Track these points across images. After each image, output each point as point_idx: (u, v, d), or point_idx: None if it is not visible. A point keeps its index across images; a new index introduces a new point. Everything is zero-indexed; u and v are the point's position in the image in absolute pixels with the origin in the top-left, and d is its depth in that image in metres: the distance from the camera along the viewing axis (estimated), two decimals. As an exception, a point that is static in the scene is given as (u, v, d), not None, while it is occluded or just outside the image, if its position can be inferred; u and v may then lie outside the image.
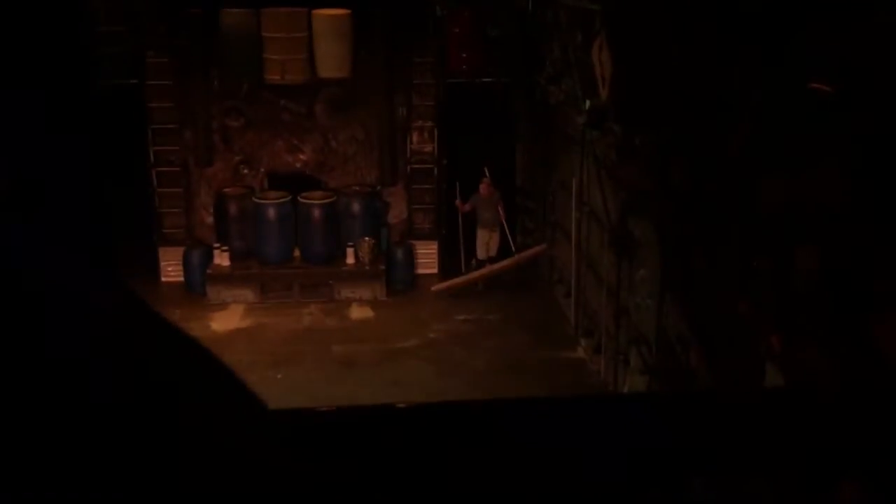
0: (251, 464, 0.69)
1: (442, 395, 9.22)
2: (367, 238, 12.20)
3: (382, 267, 12.25)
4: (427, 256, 12.86)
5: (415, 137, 12.70)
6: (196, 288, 12.15)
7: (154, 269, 12.49)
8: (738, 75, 5.78)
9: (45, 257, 0.62)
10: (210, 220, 12.76)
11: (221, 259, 12.17)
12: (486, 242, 12.12)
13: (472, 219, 12.23)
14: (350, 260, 12.24)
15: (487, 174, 12.06)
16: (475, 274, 12.07)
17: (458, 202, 12.23)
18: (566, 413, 1.73)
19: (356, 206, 12.41)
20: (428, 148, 12.73)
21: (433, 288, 11.96)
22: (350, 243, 12.24)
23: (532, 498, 1.44)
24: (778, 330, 5.41)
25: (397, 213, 13.05)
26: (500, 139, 13.08)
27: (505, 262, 12.03)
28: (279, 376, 9.84)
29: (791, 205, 5.19)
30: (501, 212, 12.08)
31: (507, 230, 12.19)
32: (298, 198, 12.26)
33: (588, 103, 8.98)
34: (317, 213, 12.21)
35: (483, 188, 11.99)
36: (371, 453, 1.46)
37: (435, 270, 12.85)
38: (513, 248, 12.18)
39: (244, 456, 0.69)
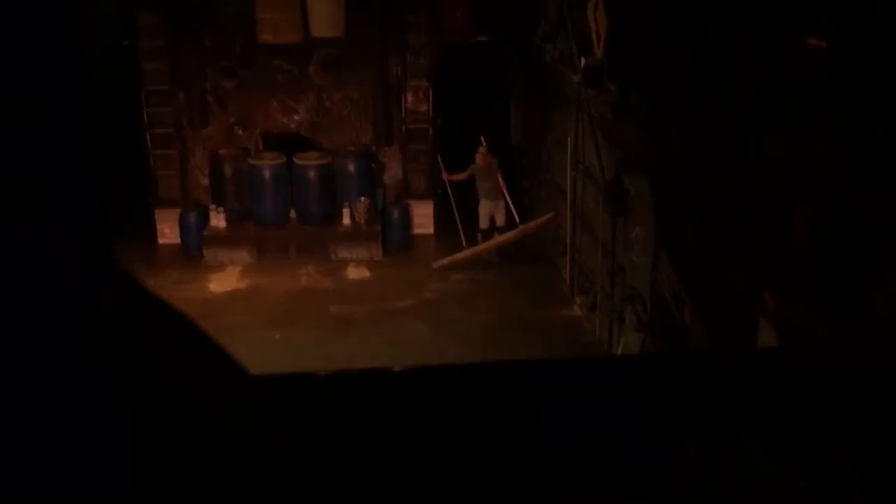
0: (233, 433, 0.71)
1: (439, 354, 9.30)
2: (362, 198, 12.20)
3: (378, 227, 12.26)
4: (423, 216, 12.87)
5: (409, 97, 12.64)
6: (193, 250, 12.17)
7: (151, 232, 12.51)
8: (734, 32, 5.75)
9: (43, 243, 0.63)
10: (205, 181, 12.74)
11: (218, 221, 12.18)
12: (489, 213, 11.74)
13: (473, 190, 11.81)
14: (346, 220, 12.25)
15: (484, 143, 11.71)
16: (478, 248, 11.76)
17: (443, 175, 11.97)
18: (559, 374, 1.76)
19: (351, 167, 12.39)
20: (423, 108, 12.67)
21: (434, 264, 11.62)
22: (346, 204, 12.24)
23: (525, 460, 1.47)
24: (772, 288, 5.45)
25: (393, 173, 13.03)
26: (495, 98, 13.02)
27: (509, 234, 11.68)
28: (277, 337, 9.90)
29: (788, 163, 5.20)
30: (501, 180, 11.74)
31: (508, 200, 11.81)
32: (293, 159, 12.23)
33: (583, 61, 8.92)
34: (312, 173, 12.19)
35: (479, 158, 11.62)
36: (367, 419, 1.49)
37: (431, 230, 12.87)
38: (517, 219, 11.83)
39: (226, 425, 0.71)
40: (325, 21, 11.87)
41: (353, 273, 11.82)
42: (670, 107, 6.92)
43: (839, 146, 4.69)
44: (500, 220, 11.79)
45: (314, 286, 11.43)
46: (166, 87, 12.30)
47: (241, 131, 12.74)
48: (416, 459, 1.45)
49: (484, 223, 11.79)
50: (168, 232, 12.55)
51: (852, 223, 4.59)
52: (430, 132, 12.78)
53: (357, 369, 1.61)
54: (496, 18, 12.32)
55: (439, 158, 12.05)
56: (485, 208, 11.75)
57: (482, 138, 11.77)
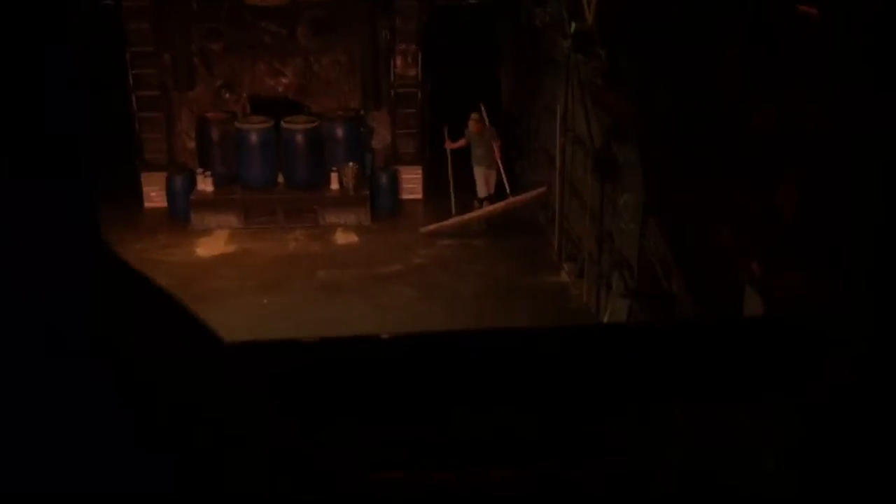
0: (206, 395, 0.71)
1: (426, 320, 9.33)
2: (350, 163, 12.14)
3: (366, 192, 12.22)
4: (411, 182, 12.83)
5: (398, 61, 12.53)
6: (180, 214, 12.10)
7: (137, 195, 12.42)
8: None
9: (20, 203, 0.63)
10: (192, 145, 12.64)
11: (205, 185, 12.11)
12: (485, 180, 11.69)
13: (466, 156, 11.76)
14: (334, 185, 12.20)
15: (483, 110, 11.60)
16: (466, 216, 11.62)
17: (447, 143, 11.79)
18: (547, 343, 1.76)
19: (339, 131, 12.31)
20: (412, 72, 12.57)
21: (422, 230, 11.62)
22: (334, 168, 12.18)
23: (514, 428, 1.48)
24: (759, 255, 5.48)
25: (381, 138, 12.96)
26: (485, 62, 12.93)
27: (498, 205, 11.58)
28: (265, 301, 9.90)
29: (776, 130, 5.20)
30: (496, 149, 11.58)
31: (502, 169, 11.66)
32: (281, 122, 12.14)
33: (574, 27, 8.86)
34: (300, 138, 12.11)
35: (472, 124, 11.53)
36: (354, 385, 1.49)
37: (419, 196, 12.85)
38: (507, 190, 11.71)
39: (199, 388, 0.71)
40: (312, -17, 11.72)
41: (342, 238, 11.81)
42: (660, 73, 6.90)
43: (828, 109, 4.68)
44: (491, 188, 11.73)
45: (302, 251, 11.41)
46: (151, 49, 12.15)
47: (227, 94, 12.62)
48: (402, 425, 1.45)
49: (482, 191, 11.72)
50: (154, 196, 12.47)
51: (838, 189, 4.60)
52: (419, 97, 12.70)
53: (343, 336, 1.61)
54: (486, -18, 12.19)
55: (445, 130, 11.76)
56: (480, 176, 11.67)
57: (482, 105, 11.65)
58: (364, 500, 1.24)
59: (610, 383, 1.59)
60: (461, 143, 11.73)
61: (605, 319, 8.70)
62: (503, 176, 11.68)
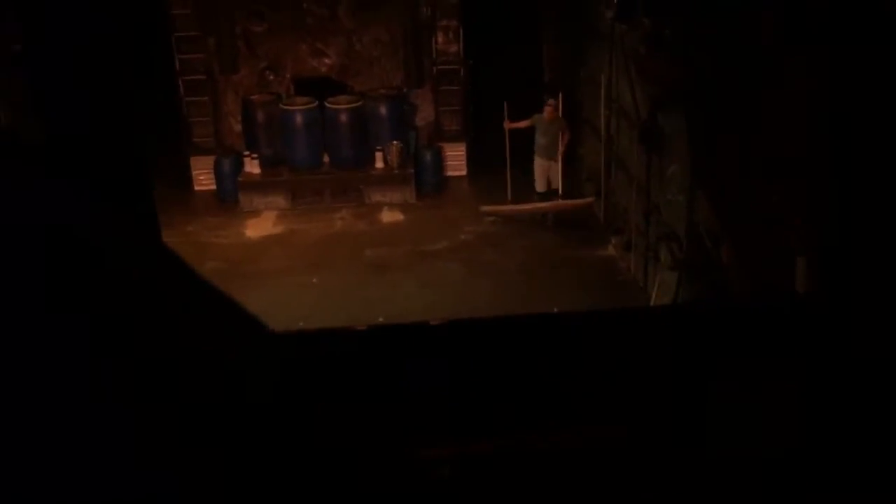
0: (249, 383, 0.73)
1: (473, 296, 9.35)
2: (395, 141, 12.17)
3: (411, 170, 12.25)
4: (455, 158, 12.83)
5: (440, 37, 12.49)
6: (228, 196, 12.27)
7: (186, 178, 12.62)
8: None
9: (87, 213, 0.65)
10: (238, 127, 12.78)
11: (252, 167, 12.25)
12: (544, 174, 11.10)
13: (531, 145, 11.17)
14: (379, 164, 12.25)
15: (559, 99, 11.07)
16: (520, 207, 11.27)
17: (506, 123, 11.17)
18: (592, 325, 1.78)
19: (383, 110, 12.34)
20: (453, 48, 12.52)
21: (482, 208, 11.34)
22: (378, 147, 12.23)
23: (559, 404, 1.50)
24: (809, 223, 5.38)
25: (424, 115, 12.96)
26: (528, 36, 12.82)
27: (545, 205, 11.19)
28: (314, 280, 10.01)
29: (820, 92, 5.09)
30: (563, 143, 10.97)
31: (560, 167, 11.05)
32: (325, 103, 12.20)
33: (616, -5, 8.74)
34: (344, 117, 12.17)
35: (547, 110, 10.93)
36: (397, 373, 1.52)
37: (464, 172, 12.84)
38: (559, 191, 11.19)
39: (244, 376, 0.74)
40: (352, -39, 11.71)
41: (387, 216, 11.86)
42: (704, 39, 6.78)
43: (875, 68, 4.57)
44: (556, 182, 11.16)
45: (349, 230, 11.50)
46: (196, 34, 12.28)
47: (272, 76, 12.72)
48: (447, 408, 1.48)
49: (540, 185, 11.21)
50: (203, 178, 12.66)
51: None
52: (462, 73, 12.65)
53: (391, 324, 1.64)
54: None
55: (505, 107, 11.14)
56: (539, 168, 11.15)
57: (560, 93, 11.12)
58: (415, 475, 1.26)
59: (652, 363, 1.60)
60: (524, 123, 11.12)
61: (654, 292, 8.64)
62: (560, 172, 11.14)
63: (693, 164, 7.41)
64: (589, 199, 11.12)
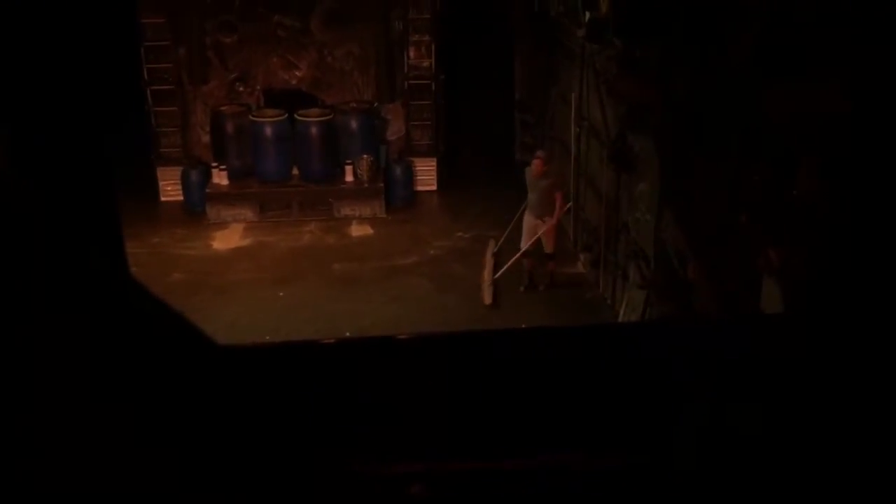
0: (200, 396, 0.71)
1: (442, 311, 9.33)
2: (365, 155, 12.14)
3: (381, 184, 12.23)
4: (426, 173, 12.83)
5: (412, 52, 12.51)
6: (195, 207, 12.15)
7: (153, 189, 12.48)
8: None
9: (47, 221, 0.63)
10: (207, 138, 12.68)
11: (220, 178, 12.14)
12: (531, 232, 9.68)
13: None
14: (349, 178, 12.21)
15: (544, 151, 10.25)
16: (515, 258, 9.89)
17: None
18: (556, 342, 1.76)
19: (354, 124, 12.31)
20: (426, 63, 12.54)
21: (486, 301, 9.68)
22: (348, 161, 12.19)
23: (527, 425, 1.48)
24: (776, 244, 5.44)
25: (395, 129, 12.95)
26: (500, 53, 12.89)
27: (531, 243, 9.77)
28: (281, 294, 9.93)
29: (793, 116, 5.15)
30: (558, 207, 9.63)
31: (552, 229, 9.70)
32: (295, 115, 12.15)
33: (588, 16, 8.81)
34: (314, 130, 12.12)
35: (534, 163, 9.65)
36: (369, 386, 1.49)
37: (434, 187, 12.84)
38: (552, 255, 9.92)
39: (195, 391, 0.71)
40: (326, -25, 11.71)
41: (357, 230, 11.82)
42: (675, 60, 6.85)
43: (844, 95, 4.63)
44: (548, 246, 9.83)
45: (317, 244, 11.43)
46: (166, 43, 12.18)
47: (242, 87, 12.64)
48: (417, 425, 1.45)
49: (525, 240, 9.81)
50: (170, 189, 12.52)
51: (856, 176, 4.55)
52: (433, 88, 12.67)
53: (360, 337, 1.61)
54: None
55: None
56: (527, 224, 9.77)
57: (548, 148, 10.42)
58: (384, 492, 1.23)
59: (621, 381, 1.58)
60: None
61: (622, 310, 8.68)
62: (552, 236, 9.75)
63: (662, 183, 7.47)
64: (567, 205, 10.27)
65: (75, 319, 0.62)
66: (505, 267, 9.91)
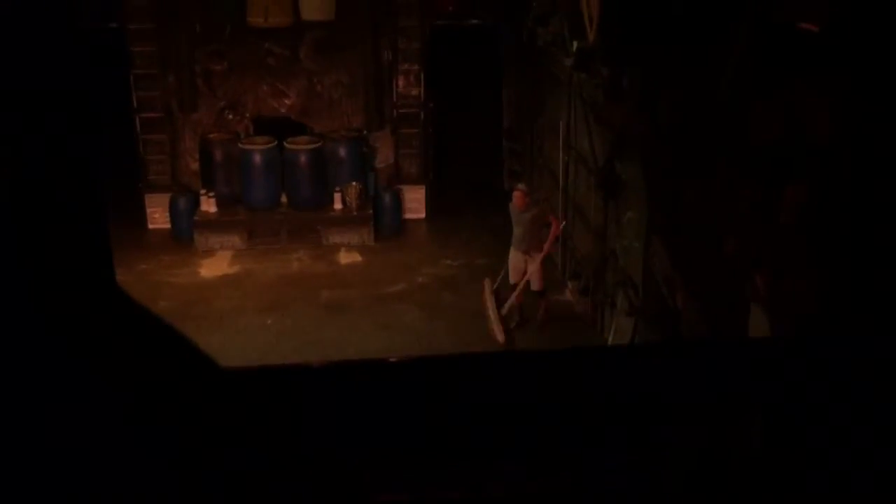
0: (205, 420, 0.70)
1: (430, 339, 9.30)
2: (354, 183, 12.16)
3: (370, 212, 12.23)
4: (415, 201, 12.84)
5: (401, 81, 12.58)
6: (183, 234, 12.12)
7: (141, 216, 12.45)
8: (725, 12, 5.73)
9: (38, 254, 0.63)
10: (195, 166, 12.67)
11: (208, 205, 12.13)
12: (517, 267, 9.47)
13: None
14: (337, 205, 12.21)
15: (524, 184, 10.00)
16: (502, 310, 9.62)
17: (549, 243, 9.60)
18: (544, 367, 1.75)
19: (343, 151, 12.34)
20: (414, 91, 12.61)
21: (500, 339, 9.29)
22: (337, 188, 12.20)
23: (520, 450, 1.47)
24: (763, 270, 5.46)
25: (384, 157, 12.98)
26: (488, 82, 12.98)
27: (524, 279, 9.50)
28: (269, 322, 9.88)
29: (778, 141, 5.19)
30: (548, 240, 9.43)
31: (538, 265, 9.41)
32: (284, 143, 12.17)
33: (575, 45, 8.89)
34: (303, 158, 12.14)
35: (515, 196, 9.44)
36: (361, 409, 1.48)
37: (423, 215, 12.85)
38: (543, 292, 9.67)
39: (198, 413, 0.71)
40: (316, 4, 11.79)
41: (345, 258, 11.80)
42: (661, 89, 6.91)
43: (831, 119, 4.68)
44: (535, 283, 9.51)
45: (305, 271, 11.41)
46: (155, 71, 12.21)
47: (231, 115, 12.67)
48: (407, 448, 1.44)
49: (513, 277, 9.55)
50: (158, 217, 12.49)
51: (842, 199, 4.59)
52: (422, 116, 12.73)
53: (350, 360, 1.61)
54: (489, 1, 12.26)
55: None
56: (512, 260, 9.56)
57: (523, 184, 10.03)
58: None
59: (608, 404, 1.58)
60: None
61: (610, 338, 8.67)
62: (538, 272, 9.45)
63: (649, 211, 7.50)
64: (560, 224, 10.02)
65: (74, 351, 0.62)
66: (509, 302, 9.56)
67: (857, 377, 1.60)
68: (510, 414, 1.55)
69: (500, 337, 9.31)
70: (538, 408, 1.56)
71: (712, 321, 6.27)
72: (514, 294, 9.56)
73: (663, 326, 7.22)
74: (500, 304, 9.72)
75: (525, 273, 9.48)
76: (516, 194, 9.50)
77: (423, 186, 12.85)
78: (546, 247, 9.42)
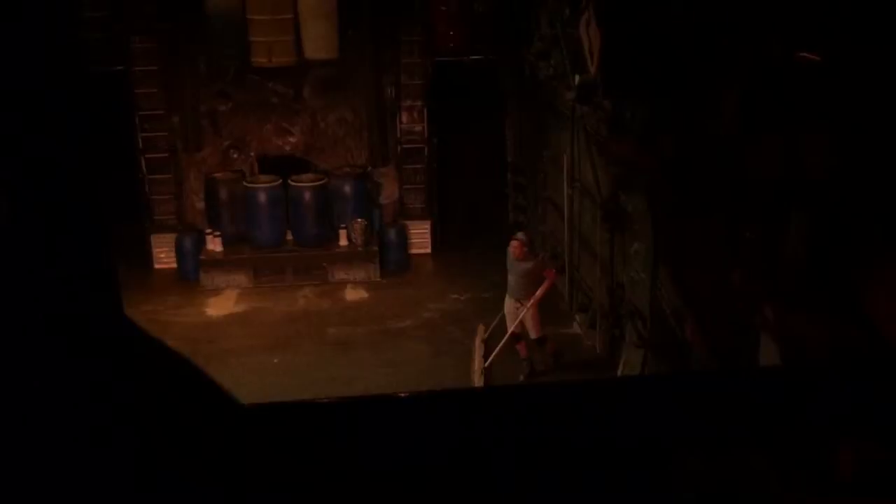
0: (224, 455, 0.69)
1: (437, 375, 9.25)
2: (359, 219, 12.18)
3: (375, 248, 12.24)
4: (420, 236, 12.86)
5: (404, 117, 12.65)
6: (189, 274, 12.12)
7: (147, 256, 12.46)
8: (726, 45, 5.76)
9: (43, 277, 0.62)
10: (201, 205, 12.72)
11: (214, 244, 12.15)
12: (513, 315, 9.38)
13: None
14: (343, 242, 12.23)
15: (523, 234, 9.79)
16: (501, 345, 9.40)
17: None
18: (559, 399, 1.73)
19: (347, 188, 12.38)
20: (418, 127, 12.68)
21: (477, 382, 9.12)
22: (342, 225, 12.22)
23: (526, 482, 1.45)
24: (770, 299, 5.43)
25: (389, 193, 13.02)
26: (491, 117, 13.05)
27: (524, 317, 9.31)
28: (275, 360, 9.85)
29: (781, 173, 5.19)
30: (545, 284, 9.20)
31: (532, 312, 9.25)
32: (289, 181, 12.22)
33: (577, 78, 8.94)
34: (308, 195, 12.18)
35: (513, 245, 9.30)
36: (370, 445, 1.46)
37: (428, 250, 12.85)
38: (543, 340, 9.53)
39: (218, 448, 0.69)
40: (318, 43, 11.90)
41: (351, 294, 11.78)
42: (664, 121, 6.93)
43: (830, 152, 4.68)
44: (533, 331, 9.40)
45: (312, 308, 11.39)
46: (160, 112, 12.30)
47: (235, 154, 12.73)
48: (418, 484, 1.42)
49: (510, 323, 9.44)
50: (164, 256, 12.50)
51: (845, 230, 4.57)
52: (426, 151, 12.79)
53: (360, 396, 1.59)
54: (490, 36, 12.36)
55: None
56: (507, 307, 9.51)
57: (522, 233, 9.84)
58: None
59: (621, 438, 1.55)
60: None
61: (620, 370, 8.61)
62: (532, 318, 9.31)
63: (655, 242, 7.49)
64: (556, 265, 10.06)
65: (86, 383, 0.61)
66: (494, 353, 9.34)
67: (869, 404, 1.58)
68: (521, 448, 1.53)
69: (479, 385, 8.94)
70: (549, 441, 1.54)
71: (722, 351, 6.22)
72: (500, 346, 9.35)
73: (673, 358, 7.17)
74: (488, 353, 9.56)
75: (520, 322, 9.33)
76: (514, 243, 9.33)
77: (429, 221, 12.87)
78: (537, 295, 9.22)
